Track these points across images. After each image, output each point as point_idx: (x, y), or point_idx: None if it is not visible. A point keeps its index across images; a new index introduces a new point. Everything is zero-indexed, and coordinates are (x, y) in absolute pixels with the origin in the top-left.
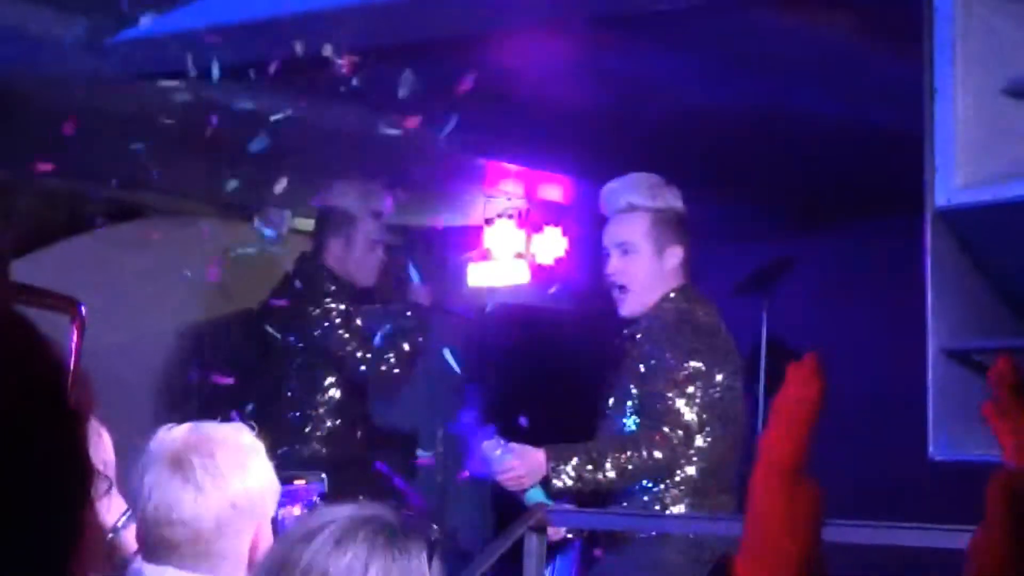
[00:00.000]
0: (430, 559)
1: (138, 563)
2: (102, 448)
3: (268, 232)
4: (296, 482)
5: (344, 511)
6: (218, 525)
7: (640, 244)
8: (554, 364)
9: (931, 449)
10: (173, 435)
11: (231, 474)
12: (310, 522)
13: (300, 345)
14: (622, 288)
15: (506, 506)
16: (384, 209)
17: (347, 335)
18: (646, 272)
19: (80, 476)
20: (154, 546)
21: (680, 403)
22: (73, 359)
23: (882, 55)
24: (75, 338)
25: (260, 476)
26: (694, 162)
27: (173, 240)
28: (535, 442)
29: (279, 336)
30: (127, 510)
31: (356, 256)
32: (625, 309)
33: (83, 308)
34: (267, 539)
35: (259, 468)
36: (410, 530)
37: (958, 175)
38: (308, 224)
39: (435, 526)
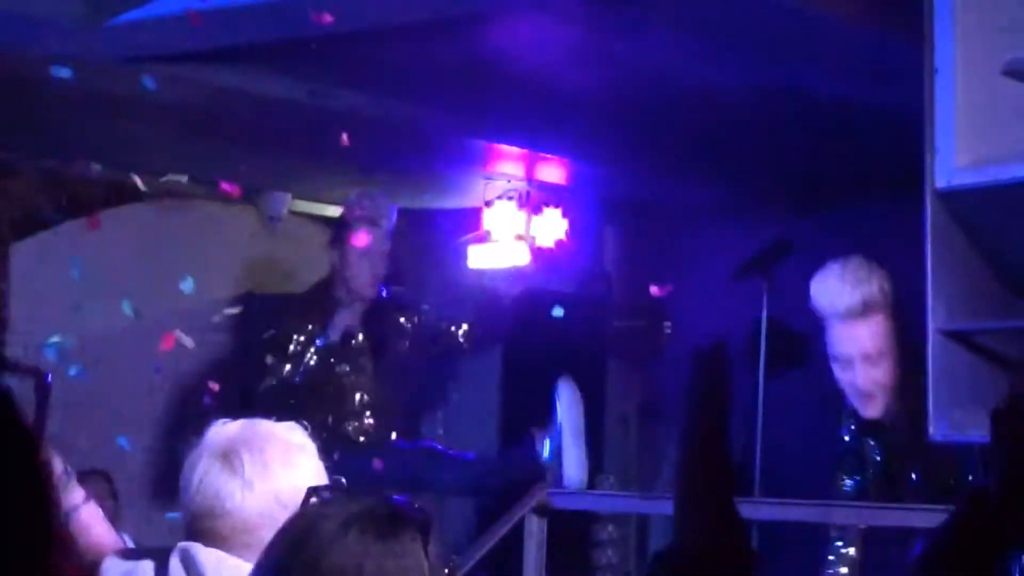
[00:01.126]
0: (425, 545)
1: (186, 544)
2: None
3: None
4: None
5: (335, 507)
6: (262, 518)
7: (890, 348)
8: (553, 346)
9: (932, 430)
10: (226, 430)
11: (278, 470)
12: (298, 525)
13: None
14: (870, 396)
15: (507, 489)
16: (379, 216)
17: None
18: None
19: (47, 537)
20: (199, 535)
21: None
22: (39, 423)
23: (882, 35)
24: (40, 403)
25: (308, 474)
26: (693, 143)
27: (172, 223)
28: (534, 420)
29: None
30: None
31: (350, 267)
32: (876, 413)
33: (49, 377)
34: None
35: (307, 466)
36: (401, 520)
37: (958, 156)
38: (307, 207)
39: (426, 509)
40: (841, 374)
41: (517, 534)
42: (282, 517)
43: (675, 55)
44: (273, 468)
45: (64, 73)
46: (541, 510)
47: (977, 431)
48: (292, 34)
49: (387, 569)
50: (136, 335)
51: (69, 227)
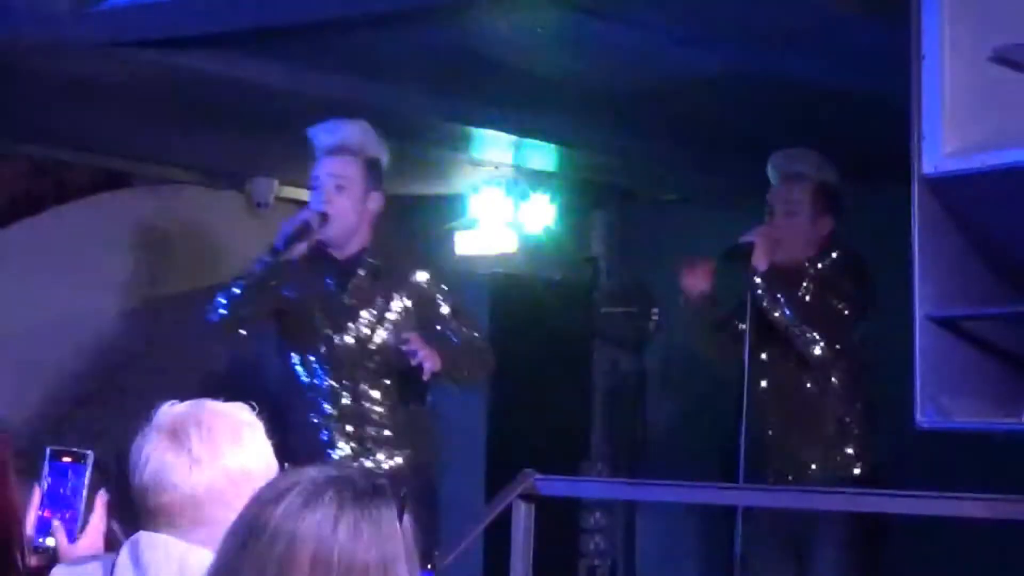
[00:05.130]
0: (400, 518)
1: (135, 537)
2: None
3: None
4: None
5: (311, 472)
6: (211, 494)
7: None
8: (542, 332)
9: (918, 417)
10: (174, 409)
11: (227, 447)
12: (278, 484)
13: None
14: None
15: (497, 471)
16: (332, 144)
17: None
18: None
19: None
20: (150, 513)
21: None
22: None
23: (869, 20)
24: None
25: (256, 452)
26: (680, 129)
27: (160, 209)
28: (522, 407)
29: None
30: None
31: (310, 200)
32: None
33: None
34: None
35: (255, 444)
36: (378, 489)
37: (945, 142)
38: (294, 192)
39: (404, 488)
40: None
41: (504, 522)
42: (231, 494)
43: (660, 39)
44: (221, 445)
45: (51, 59)
46: (528, 497)
47: (964, 417)
48: (276, 19)
49: (362, 530)
50: (128, 320)
51: (59, 212)
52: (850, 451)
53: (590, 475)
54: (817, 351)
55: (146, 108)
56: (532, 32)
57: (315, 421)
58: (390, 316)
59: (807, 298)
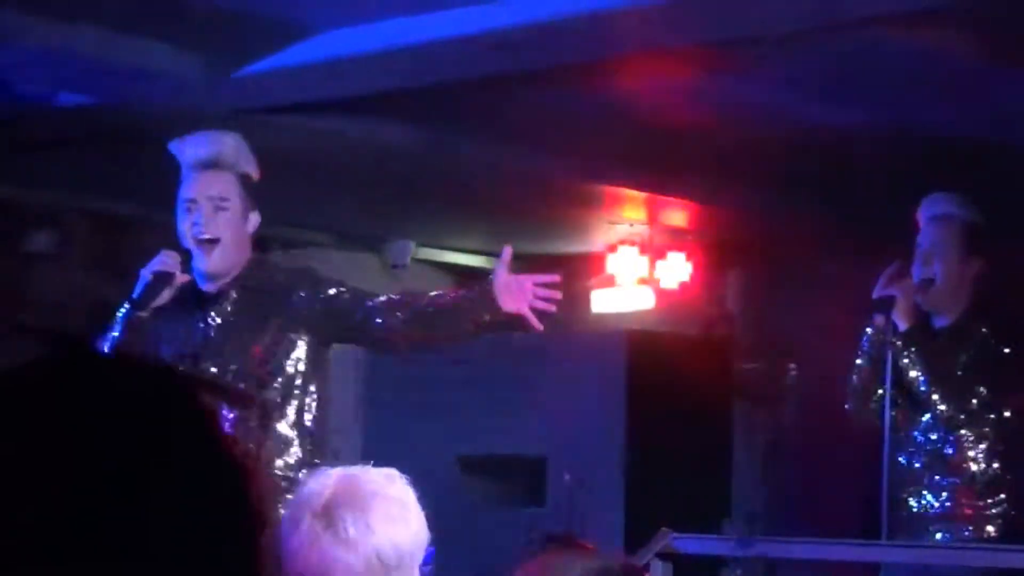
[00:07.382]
0: None
1: None
2: None
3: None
4: None
5: (579, 568)
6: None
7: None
8: (679, 389)
9: None
10: (322, 486)
11: (382, 528)
12: None
13: None
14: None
15: (636, 529)
16: (205, 157)
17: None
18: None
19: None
20: None
21: None
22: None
23: (1008, 71)
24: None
25: (410, 529)
26: (816, 184)
27: None
28: (660, 464)
29: None
30: None
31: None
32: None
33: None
34: None
35: (410, 520)
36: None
37: None
38: (431, 253)
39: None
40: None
41: None
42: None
43: (797, 96)
44: (376, 527)
45: (186, 126)
46: (666, 555)
47: None
48: (414, 82)
49: None
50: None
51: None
52: (994, 510)
53: (730, 532)
54: (958, 413)
55: (280, 172)
56: (666, 89)
57: None
58: (264, 340)
59: (956, 362)
